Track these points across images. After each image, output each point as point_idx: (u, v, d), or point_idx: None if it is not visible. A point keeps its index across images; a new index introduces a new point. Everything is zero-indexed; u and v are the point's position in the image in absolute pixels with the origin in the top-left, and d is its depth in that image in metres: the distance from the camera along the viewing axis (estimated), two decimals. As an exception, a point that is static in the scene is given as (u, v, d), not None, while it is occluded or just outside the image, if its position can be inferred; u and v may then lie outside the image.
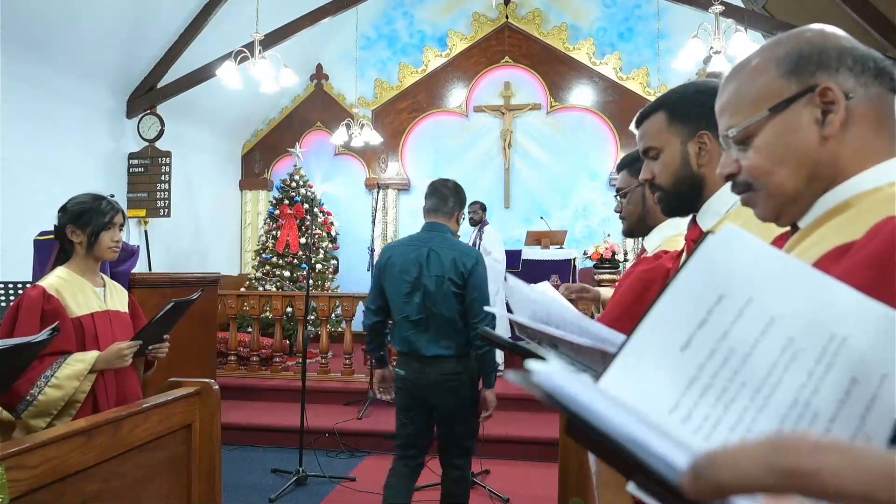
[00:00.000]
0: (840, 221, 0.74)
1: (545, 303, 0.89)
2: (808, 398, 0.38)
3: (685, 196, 1.25)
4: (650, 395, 0.39)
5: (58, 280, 2.05)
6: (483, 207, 5.85)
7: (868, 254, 0.64)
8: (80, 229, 2.09)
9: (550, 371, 0.35)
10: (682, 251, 1.43)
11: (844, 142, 0.76)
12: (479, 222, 5.79)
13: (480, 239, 5.65)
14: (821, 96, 0.76)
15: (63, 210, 2.13)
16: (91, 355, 1.99)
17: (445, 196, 2.79)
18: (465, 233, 5.72)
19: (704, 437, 0.37)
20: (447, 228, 2.79)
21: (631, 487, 0.35)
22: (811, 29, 0.81)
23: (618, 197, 1.83)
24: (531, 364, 0.36)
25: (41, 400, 1.88)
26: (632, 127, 1.42)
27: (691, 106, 1.24)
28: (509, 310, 1.01)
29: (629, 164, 1.79)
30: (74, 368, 1.94)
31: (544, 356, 0.94)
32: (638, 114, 1.35)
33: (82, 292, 2.08)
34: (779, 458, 0.28)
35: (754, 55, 0.83)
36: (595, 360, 0.84)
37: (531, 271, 6.10)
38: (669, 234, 1.65)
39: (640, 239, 1.83)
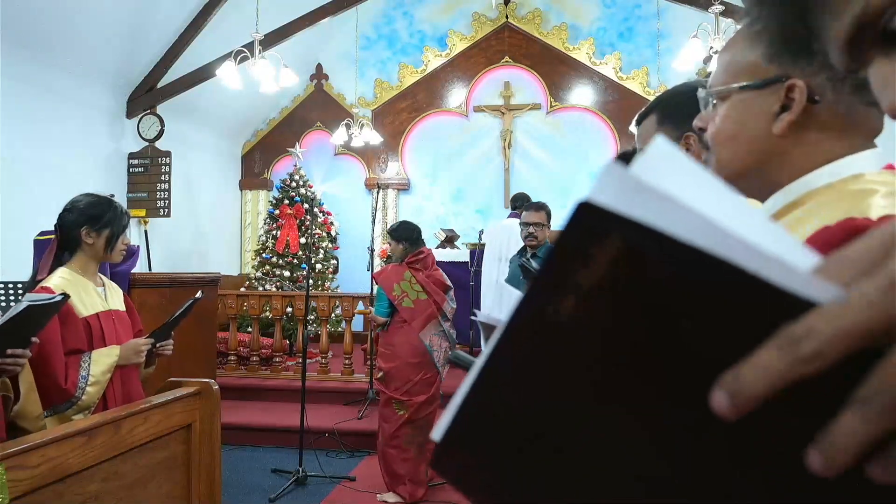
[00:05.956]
0: (790, 220, 0.75)
1: None
2: None
3: None
4: None
5: (62, 281, 2.03)
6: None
7: None
8: (96, 231, 2.08)
9: None
10: None
11: (801, 142, 0.76)
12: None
13: None
14: (787, 90, 0.76)
15: (74, 211, 2.09)
16: (115, 350, 2.05)
17: None
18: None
19: None
20: None
21: None
22: None
23: None
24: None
25: (84, 399, 1.97)
26: (631, 127, 1.43)
27: (681, 107, 1.23)
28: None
29: None
30: (106, 363, 2.02)
31: None
32: (637, 115, 1.37)
33: (86, 292, 2.08)
34: None
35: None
36: None
37: (531, 271, 6.10)
38: None
39: None
